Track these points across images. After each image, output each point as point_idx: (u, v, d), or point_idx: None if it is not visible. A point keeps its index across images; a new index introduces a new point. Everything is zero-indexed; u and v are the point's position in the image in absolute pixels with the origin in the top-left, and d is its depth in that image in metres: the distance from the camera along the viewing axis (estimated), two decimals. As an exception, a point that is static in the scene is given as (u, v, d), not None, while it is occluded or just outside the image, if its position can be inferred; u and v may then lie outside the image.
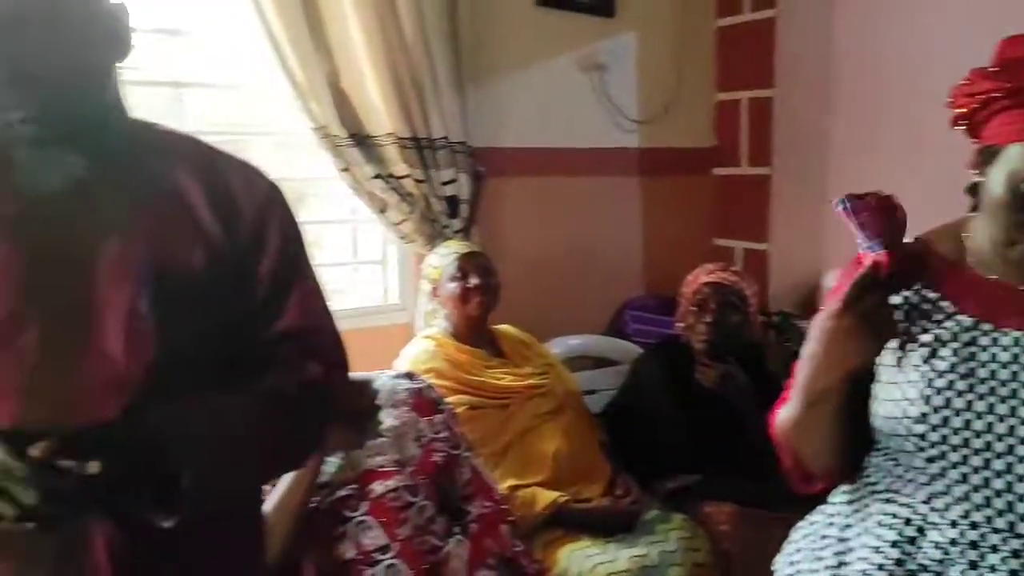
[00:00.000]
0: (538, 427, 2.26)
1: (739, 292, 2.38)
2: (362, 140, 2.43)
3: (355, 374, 1.84)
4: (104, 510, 1.04)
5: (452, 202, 2.60)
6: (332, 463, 1.73)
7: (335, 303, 1.94)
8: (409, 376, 1.90)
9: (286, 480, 1.63)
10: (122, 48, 1.13)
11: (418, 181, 2.53)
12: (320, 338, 1.25)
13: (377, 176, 2.44)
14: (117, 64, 1.14)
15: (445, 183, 2.57)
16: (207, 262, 1.12)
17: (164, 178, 1.14)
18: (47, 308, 1.06)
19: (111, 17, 1.11)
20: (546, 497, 2.10)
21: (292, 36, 2.25)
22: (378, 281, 2.82)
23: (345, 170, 2.42)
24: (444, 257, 2.37)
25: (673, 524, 2.09)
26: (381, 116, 2.44)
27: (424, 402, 1.86)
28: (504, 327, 2.48)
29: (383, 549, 1.68)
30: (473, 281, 2.31)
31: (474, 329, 2.35)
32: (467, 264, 2.34)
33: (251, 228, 1.16)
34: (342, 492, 1.70)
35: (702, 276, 2.42)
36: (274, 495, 1.62)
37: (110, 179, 1.11)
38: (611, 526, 2.09)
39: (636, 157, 3.11)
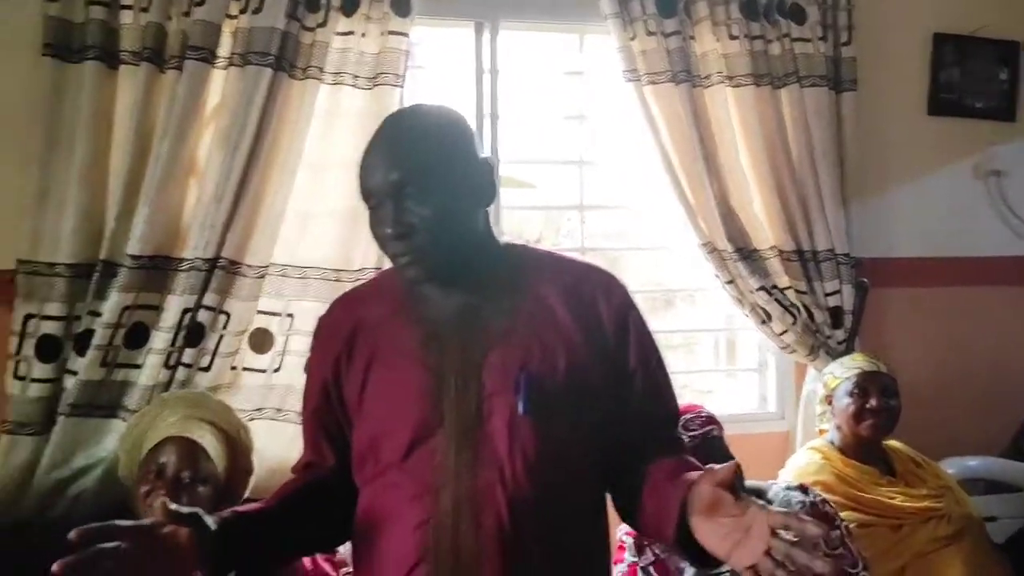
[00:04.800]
0: (936, 552, 2.14)
1: None
2: (747, 254, 2.54)
3: (748, 482, 1.94)
4: None
5: (835, 313, 2.60)
6: (725, 569, 1.79)
7: (709, 406, 2.06)
8: (803, 489, 1.93)
9: None
10: (488, 195, 1.35)
11: (800, 292, 2.58)
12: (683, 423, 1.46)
13: (761, 288, 2.53)
14: (483, 207, 1.35)
15: (828, 294, 2.59)
16: (570, 366, 1.29)
17: (535, 296, 1.33)
18: (451, 415, 1.27)
19: (478, 173, 1.33)
20: (947, 629, 1.99)
21: (686, 161, 2.46)
22: (755, 389, 2.87)
23: (730, 282, 2.54)
24: (847, 369, 2.37)
25: None
26: (765, 231, 2.55)
27: (819, 516, 1.88)
28: (895, 444, 2.39)
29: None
30: (872, 402, 2.28)
31: (864, 446, 2.30)
32: (868, 382, 2.31)
33: (613, 330, 1.34)
34: (736, 597, 1.76)
35: None
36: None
37: (491, 301, 1.32)
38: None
39: (1039, 265, 2.89)
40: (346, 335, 1.36)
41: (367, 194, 1.30)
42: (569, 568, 1.29)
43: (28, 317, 2.07)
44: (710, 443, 1.84)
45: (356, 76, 2.25)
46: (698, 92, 2.49)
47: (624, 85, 2.45)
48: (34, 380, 2.07)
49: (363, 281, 1.76)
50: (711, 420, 1.88)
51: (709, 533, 1.11)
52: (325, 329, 1.42)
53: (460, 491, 1.24)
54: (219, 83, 2.16)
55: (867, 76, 2.63)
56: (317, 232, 2.27)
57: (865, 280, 2.64)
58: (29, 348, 2.07)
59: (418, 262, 1.28)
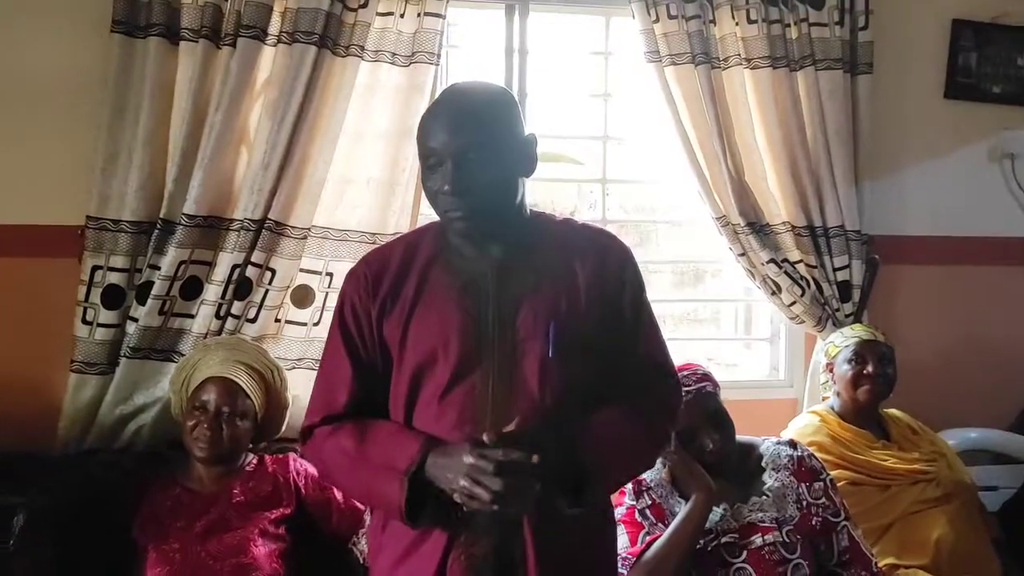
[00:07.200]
0: (922, 512, 2.26)
1: None
2: (759, 228, 2.67)
3: (742, 437, 2.09)
4: (535, 502, 1.41)
5: (844, 287, 2.72)
6: (717, 513, 1.95)
7: (727, 375, 2.18)
8: (792, 444, 2.07)
9: (678, 521, 1.90)
10: (529, 168, 1.56)
11: (810, 266, 2.70)
12: (666, 368, 1.62)
13: (770, 260, 2.66)
14: (524, 177, 1.55)
15: (837, 269, 2.71)
16: (586, 314, 1.51)
17: (557, 256, 1.55)
18: (489, 355, 1.49)
19: (523, 147, 1.54)
20: (928, 581, 2.12)
21: (702, 139, 2.60)
22: (767, 358, 3.00)
23: (742, 255, 2.68)
24: (847, 338, 2.50)
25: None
26: (779, 207, 2.68)
27: (805, 469, 2.02)
28: (894, 412, 2.52)
29: (759, 597, 1.87)
30: (869, 369, 2.40)
31: (861, 412, 2.43)
32: (866, 350, 2.43)
33: (614, 283, 1.55)
34: (725, 539, 1.92)
35: None
36: (667, 532, 1.90)
37: (522, 259, 1.53)
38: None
39: (1049, 247, 2.97)
40: (392, 278, 1.54)
41: (428, 152, 1.48)
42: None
43: (95, 268, 2.31)
44: (704, 397, 1.98)
45: (394, 54, 2.43)
46: (716, 73, 2.62)
47: (646, 66, 2.59)
48: (100, 325, 2.32)
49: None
50: (705, 377, 2.03)
51: None
52: (365, 275, 1.56)
53: (499, 419, 1.44)
54: (268, 59, 2.36)
55: (884, 60, 2.73)
56: (355, 197, 2.47)
57: (876, 256, 2.76)
58: (96, 296, 2.31)
59: (468, 219, 1.47)
